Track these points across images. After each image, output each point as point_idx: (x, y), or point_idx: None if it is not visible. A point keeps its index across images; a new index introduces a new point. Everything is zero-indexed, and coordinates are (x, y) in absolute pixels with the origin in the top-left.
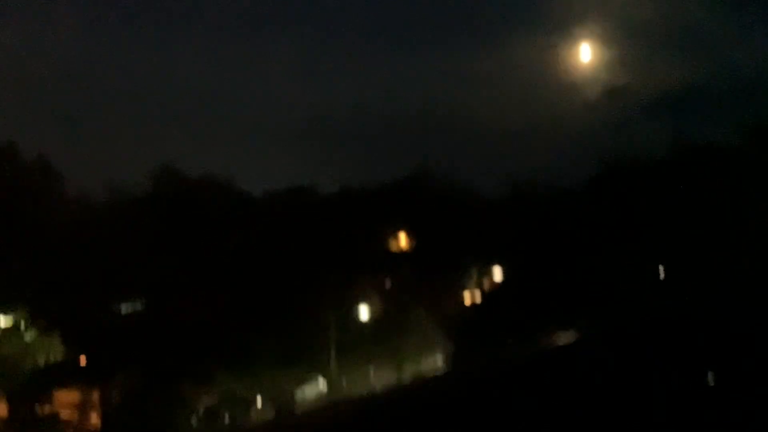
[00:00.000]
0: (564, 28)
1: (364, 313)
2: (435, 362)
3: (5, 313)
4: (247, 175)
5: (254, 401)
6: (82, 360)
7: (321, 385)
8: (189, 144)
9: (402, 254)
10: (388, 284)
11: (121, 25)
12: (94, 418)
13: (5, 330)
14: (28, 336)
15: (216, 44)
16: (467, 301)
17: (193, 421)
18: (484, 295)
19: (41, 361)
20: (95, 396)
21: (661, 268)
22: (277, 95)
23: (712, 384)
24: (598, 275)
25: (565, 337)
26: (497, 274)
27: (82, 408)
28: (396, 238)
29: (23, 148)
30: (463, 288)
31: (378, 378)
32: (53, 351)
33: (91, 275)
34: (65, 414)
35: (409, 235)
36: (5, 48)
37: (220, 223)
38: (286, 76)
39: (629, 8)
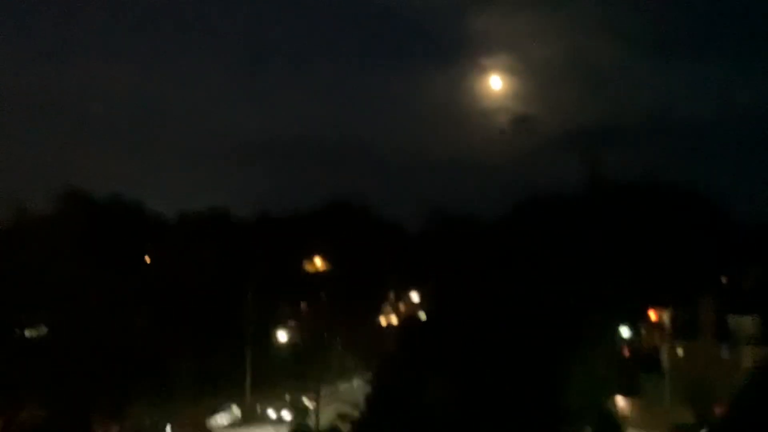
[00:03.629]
0: (481, 62)
1: (281, 337)
2: (352, 388)
3: None
4: (160, 197)
5: (164, 430)
6: None
7: (235, 412)
8: (99, 165)
9: (319, 279)
10: (305, 309)
11: (33, 40)
12: None
13: None
14: None
15: (135, 65)
16: (383, 324)
17: None
18: (400, 320)
19: None
20: None
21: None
22: (194, 120)
23: None
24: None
25: None
26: (414, 298)
27: None
28: (313, 263)
29: None
30: (380, 312)
31: (294, 404)
32: None
33: None
34: None
35: (326, 260)
36: None
37: (131, 245)
38: (205, 100)
39: (543, 47)
